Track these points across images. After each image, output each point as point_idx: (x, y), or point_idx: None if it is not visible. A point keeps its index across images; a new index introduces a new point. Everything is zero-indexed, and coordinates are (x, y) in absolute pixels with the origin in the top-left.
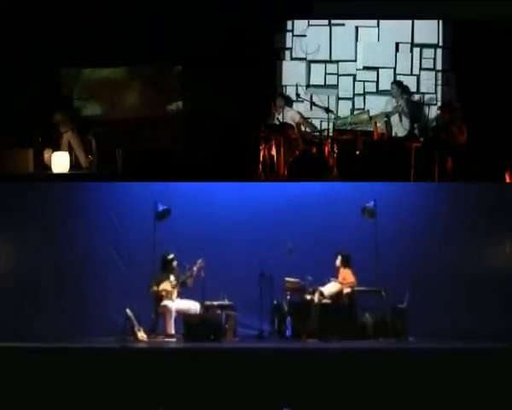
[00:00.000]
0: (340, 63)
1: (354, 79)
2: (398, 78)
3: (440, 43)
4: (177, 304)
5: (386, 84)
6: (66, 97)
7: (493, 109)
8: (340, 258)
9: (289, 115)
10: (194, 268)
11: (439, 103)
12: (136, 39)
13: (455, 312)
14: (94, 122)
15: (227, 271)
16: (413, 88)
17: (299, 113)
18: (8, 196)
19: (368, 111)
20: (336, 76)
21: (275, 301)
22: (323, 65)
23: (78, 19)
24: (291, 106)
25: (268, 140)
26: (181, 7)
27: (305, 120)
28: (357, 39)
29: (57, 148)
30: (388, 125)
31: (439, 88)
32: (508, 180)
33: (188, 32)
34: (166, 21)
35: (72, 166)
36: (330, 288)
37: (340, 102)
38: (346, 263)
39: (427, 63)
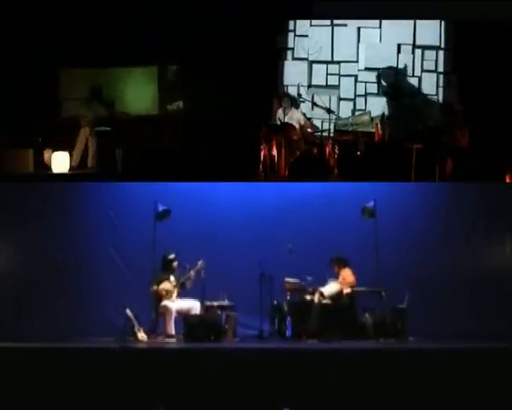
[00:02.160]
0: (341, 64)
1: (356, 80)
2: (400, 79)
3: (442, 45)
4: (177, 304)
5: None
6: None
7: (494, 110)
8: (335, 264)
9: (295, 117)
10: (192, 272)
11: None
12: (136, 39)
13: (455, 312)
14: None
15: (227, 271)
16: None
17: (304, 115)
18: (8, 196)
19: (369, 112)
20: (338, 77)
21: (275, 302)
22: (325, 65)
23: (78, 19)
24: (297, 107)
25: (269, 140)
26: (181, 7)
27: (310, 122)
28: (359, 40)
29: (72, 143)
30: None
31: (441, 90)
32: (508, 180)
33: (188, 31)
34: (166, 21)
35: (79, 165)
36: (330, 288)
37: (342, 102)
38: (344, 264)
39: (429, 65)
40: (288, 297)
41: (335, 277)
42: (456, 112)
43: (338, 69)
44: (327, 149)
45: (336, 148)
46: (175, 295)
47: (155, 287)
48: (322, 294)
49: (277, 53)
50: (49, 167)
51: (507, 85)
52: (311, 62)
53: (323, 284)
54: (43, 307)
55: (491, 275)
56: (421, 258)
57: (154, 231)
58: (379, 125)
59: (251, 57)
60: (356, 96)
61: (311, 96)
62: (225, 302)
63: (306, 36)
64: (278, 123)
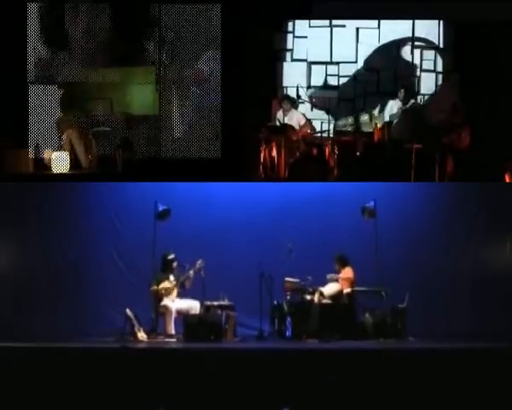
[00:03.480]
0: (340, 64)
1: (355, 81)
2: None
3: (441, 45)
4: (177, 304)
5: (386, 85)
6: (70, 96)
7: (494, 110)
8: (336, 262)
9: (296, 118)
10: (191, 272)
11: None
12: (136, 39)
13: (455, 312)
14: (96, 122)
15: (227, 271)
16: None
17: (304, 115)
18: (8, 196)
19: (368, 112)
20: (337, 77)
21: (275, 302)
22: (324, 66)
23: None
24: (297, 108)
25: (268, 141)
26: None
27: (310, 122)
28: (357, 40)
29: (58, 146)
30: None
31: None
32: (508, 180)
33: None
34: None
35: (72, 166)
36: (330, 288)
37: (341, 103)
38: (345, 263)
39: (428, 65)
40: (288, 297)
41: (334, 273)
42: (456, 111)
43: (337, 70)
44: (326, 150)
45: (336, 148)
46: (175, 295)
47: (155, 287)
48: (322, 294)
49: (276, 54)
50: (49, 167)
51: (507, 85)
52: (310, 63)
53: (323, 283)
54: (42, 307)
55: (491, 275)
56: (421, 258)
57: (154, 231)
58: (379, 126)
59: (250, 58)
60: (355, 96)
61: (310, 97)
62: (225, 302)
63: (305, 37)
64: (278, 124)
